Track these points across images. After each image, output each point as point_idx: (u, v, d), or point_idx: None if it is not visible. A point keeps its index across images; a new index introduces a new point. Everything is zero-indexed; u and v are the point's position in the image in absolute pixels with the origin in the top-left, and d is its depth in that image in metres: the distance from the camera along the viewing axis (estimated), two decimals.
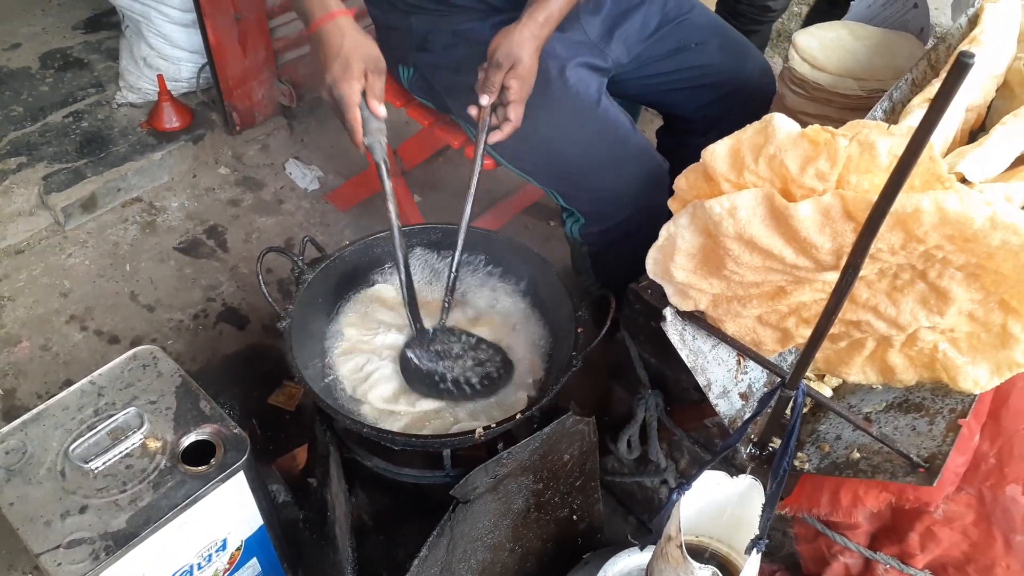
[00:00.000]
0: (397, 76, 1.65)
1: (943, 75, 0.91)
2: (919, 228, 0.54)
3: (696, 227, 0.63)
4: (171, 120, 2.20)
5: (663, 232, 0.67)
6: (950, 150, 0.88)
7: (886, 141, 0.54)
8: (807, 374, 0.86)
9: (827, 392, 0.84)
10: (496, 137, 1.31)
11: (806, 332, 0.70)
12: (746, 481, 0.86)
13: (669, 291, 0.73)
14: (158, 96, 2.19)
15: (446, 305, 1.34)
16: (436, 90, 1.55)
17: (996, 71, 0.92)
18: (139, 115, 2.25)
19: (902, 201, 0.53)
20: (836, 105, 1.22)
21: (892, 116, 0.92)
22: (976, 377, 0.65)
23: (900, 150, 0.50)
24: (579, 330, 1.27)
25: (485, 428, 1.15)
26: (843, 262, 0.55)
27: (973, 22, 0.97)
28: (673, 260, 0.67)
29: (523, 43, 1.27)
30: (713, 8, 2.21)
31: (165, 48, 2.16)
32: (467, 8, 1.47)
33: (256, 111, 2.29)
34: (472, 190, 1.31)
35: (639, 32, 1.59)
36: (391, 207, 1.23)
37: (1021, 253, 0.55)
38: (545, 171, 1.48)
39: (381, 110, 1.20)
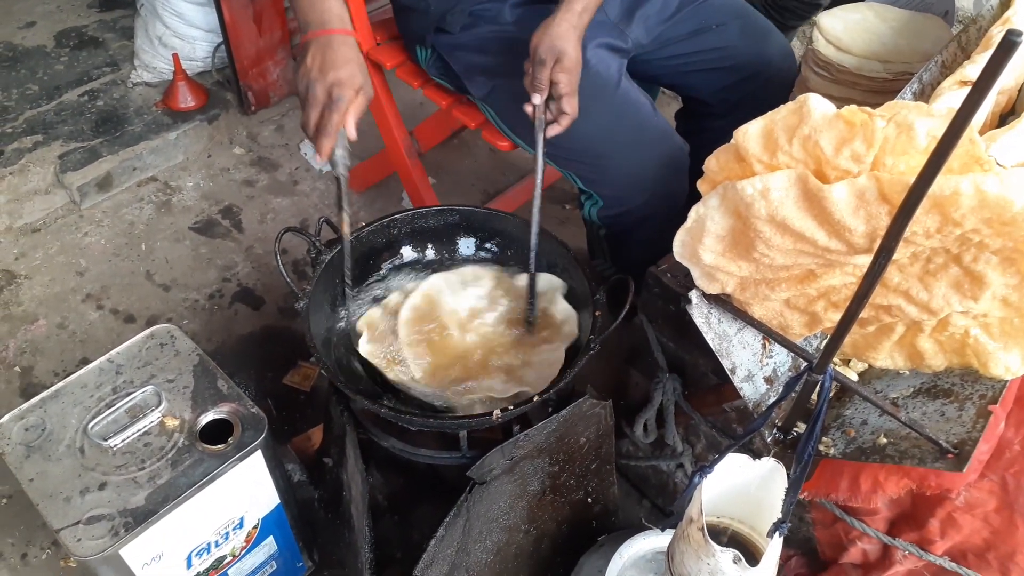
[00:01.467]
0: (415, 56, 1.64)
1: (989, 53, 0.89)
2: (956, 211, 0.53)
3: (726, 209, 0.62)
4: (186, 100, 2.20)
5: (692, 214, 0.66)
6: (981, 133, 0.87)
7: (925, 122, 0.53)
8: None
9: (853, 377, 0.83)
10: (555, 131, 1.30)
11: (835, 316, 0.69)
12: (768, 464, 0.86)
13: (696, 273, 0.72)
14: (173, 75, 2.19)
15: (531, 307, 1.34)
16: (454, 71, 1.54)
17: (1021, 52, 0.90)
18: (154, 94, 2.25)
19: (940, 183, 0.52)
20: (861, 88, 1.20)
21: (922, 98, 0.91)
22: (1008, 363, 0.64)
23: (939, 132, 0.49)
24: (597, 313, 1.26)
25: (503, 410, 1.15)
26: (876, 245, 0.55)
27: (1005, 4, 0.95)
28: (702, 242, 0.66)
29: (565, 35, 1.25)
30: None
31: (180, 27, 2.15)
32: None
33: (271, 91, 2.28)
34: (538, 193, 1.28)
35: (659, 13, 1.57)
36: (346, 218, 1.25)
37: None
38: (564, 152, 1.47)
39: (354, 133, 1.19)
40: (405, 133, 1.83)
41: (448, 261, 1.43)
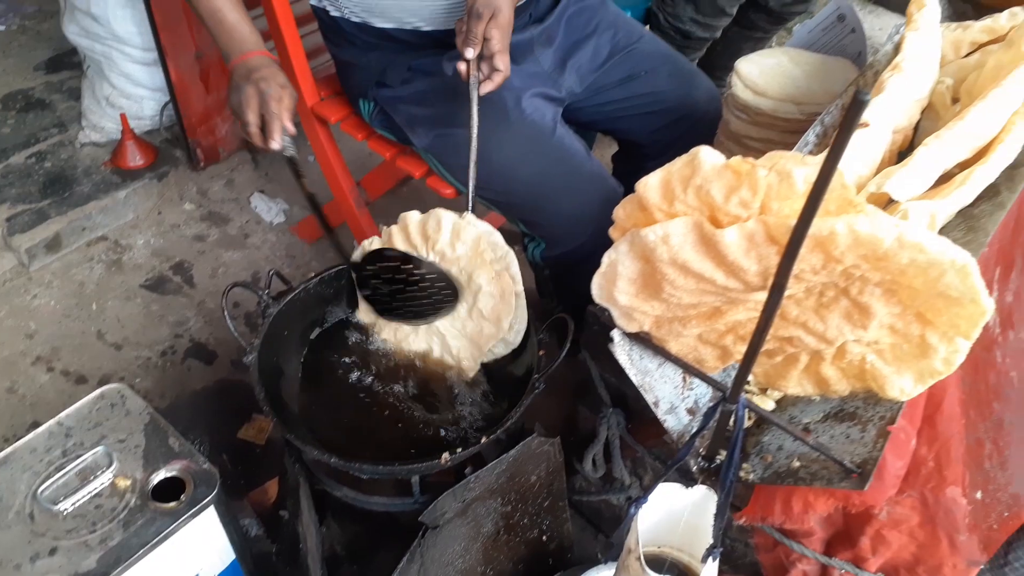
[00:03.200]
0: (358, 110, 1.69)
1: (881, 97, 0.96)
2: (836, 249, 0.58)
3: (635, 254, 0.67)
4: (135, 158, 2.22)
5: (605, 259, 0.71)
6: (879, 170, 0.94)
7: (802, 170, 0.59)
8: (751, 388, 0.90)
9: (770, 405, 0.88)
10: (488, 87, 1.33)
11: (743, 349, 0.74)
12: (700, 491, 0.90)
13: (615, 314, 0.76)
14: (121, 134, 2.21)
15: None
16: (396, 123, 1.59)
17: (919, 95, 0.98)
18: (103, 154, 2.27)
19: (818, 225, 0.57)
20: (778, 129, 1.27)
21: (824, 140, 0.97)
22: (902, 385, 0.69)
23: (815, 178, 0.54)
24: (540, 352, 1.30)
25: (451, 453, 1.18)
26: (770, 283, 0.59)
27: (897, 49, 1.02)
28: (616, 285, 0.70)
29: None
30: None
31: (127, 87, 2.18)
32: (422, 44, 1.51)
33: (220, 147, 2.31)
34: (473, 147, 1.32)
35: (590, 62, 1.64)
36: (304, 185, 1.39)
37: (928, 269, 0.59)
38: (505, 198, 1.52)
39: (291, 128, 1.34)
40: (352, 184, 1.87)
41: None
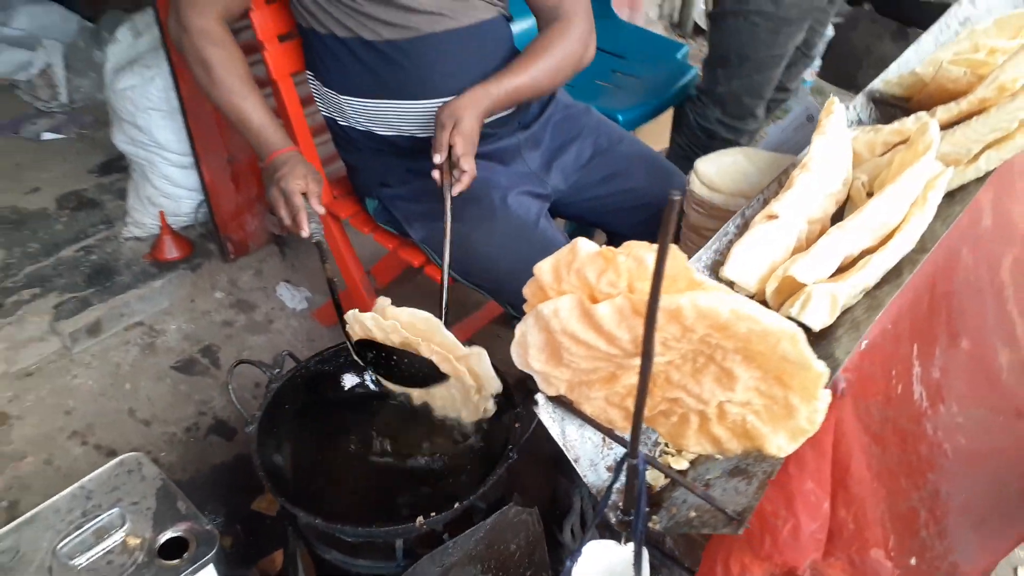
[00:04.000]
0: (365, 207, 1.87)
1: (791, 191, 1.09)
2: (686, 320, 0.70)
3: (538, 326, 0.79)
4: (171, 251, 2.43)
5: (517, 331, 0.83)
6: (813, 239, 1.06)
7: (651, 256, 0.71)
8: (669, 449, 1.00)
9: (684, 464, 0.97)
10: (457, 189, 1.51)
11: (643, 411, 0.85)
12: (631, 547, 0.99)
13: (537, 379, 0.88)
14: (160, 230, 2.42)
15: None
16: (396, 218, 1.76)
17: (831, 189, 1.10)
18: (143, 247, 2.48)
19: (667, 300, 0.69)
20: None
21: (744, 229, 1.09)
22: (779, 443, 0.79)
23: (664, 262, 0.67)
24: (516, 424, 1.41)
25: (425, 517, 1.28)
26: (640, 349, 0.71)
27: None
28: (528, 353, 0.82)
29: (464, 106, 1.52)
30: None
31: (167, 187, 2.41)
32: (418, 149, 1.69)
33: (250, 241, 2.51)
34: (448, 231, 1.51)
35: (574, 162, 1.80)
36: (326, 270, 1.52)
37: (766, 338, 0.70)
38: (491, 284, 1.66)
39: (320, 208, 1.52)
40: (363, 273, 2.03)
41: None
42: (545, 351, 0.81)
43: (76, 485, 1.47)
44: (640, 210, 1.79)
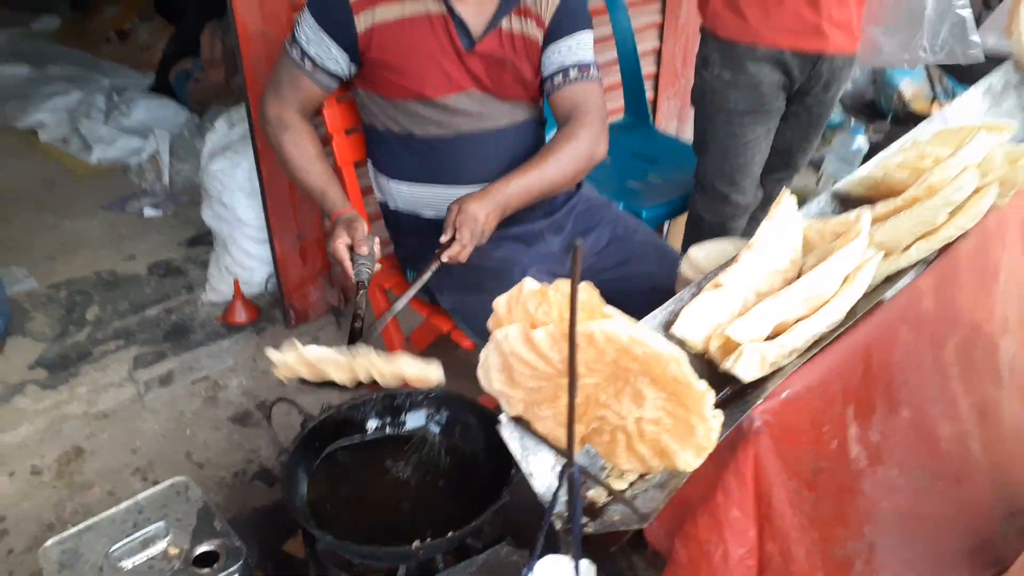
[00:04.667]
0: (406, 277, 2.12)
1: (736, 265, 1.27)
2: (598, 344, 0.88)
3: (496, 350, 0.98)
4: (241, 315, 2.72)
5: (481, 355, 1.02)
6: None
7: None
8: (613, 472, 1.16)
9: (624, 484, 1.12)
10: (445, 256, 1.75)
11: (582, 429, 1.02)
12: (584, 564, 1.14)
13: (501, 401, 1.06)
14: (233, 296, 2.73)
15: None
16: (429, 287, 1.99)
17: (776, 267, 1.27)
18: (217, 311, 2.79)
19: (582, 326, 0.87)
20: None
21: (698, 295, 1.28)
22: (686, 459, 0.94)
23: (575, 297, 0.86)
24: (513, 471, 1.57)
25: (422, 540, 1.45)
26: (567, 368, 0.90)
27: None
28: (490, 375, 1.01)
29: (473, 199, 1.76)
30: None
31: (243, 259, 2.73)
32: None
33: (310, 310, 2.79)
34: (411, 292, 1.77)
35: (592, 247, 2.02)
36: (361, 311, 1.68)
37: (659, 359, 0.86)
38: None
39: (364, 249, 1.73)
40: (402, 338, 2.26)
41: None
42: (503, 372, 1.00)
43: (131, 501, 1.70)
44: (649, 293, 1.97)
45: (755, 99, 2.21)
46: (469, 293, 1.89)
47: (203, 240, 3.20)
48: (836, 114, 3.98)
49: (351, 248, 1.73)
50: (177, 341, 2.66)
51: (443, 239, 1.75)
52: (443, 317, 2.04)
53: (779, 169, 2.53)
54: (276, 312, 2.81)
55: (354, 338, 1.64)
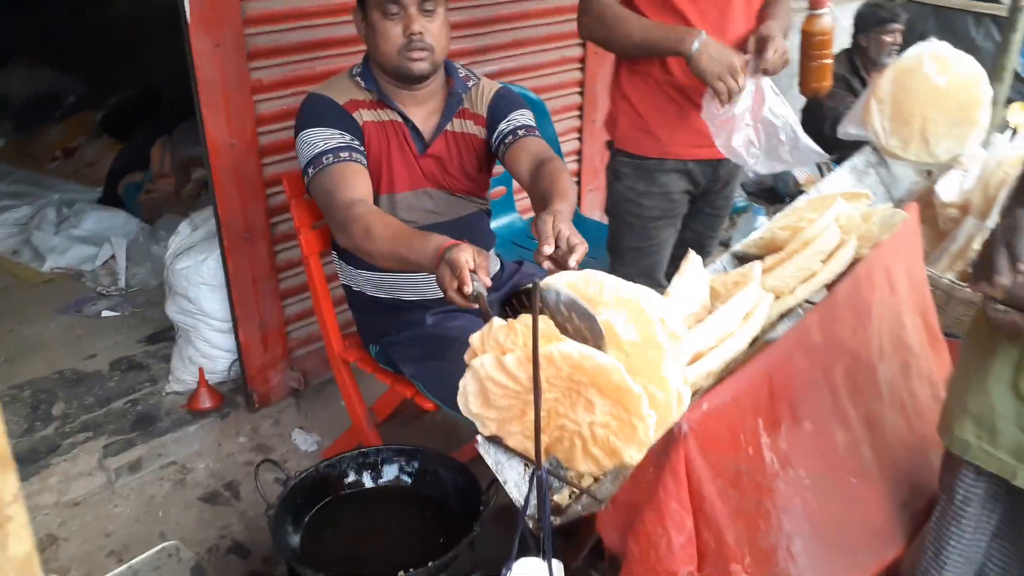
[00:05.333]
0: (369, 353, 2.34)
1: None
2: (556, 363, 1.13)
3: (473, 377, 1.23)
4: (205, 402, 2.87)
5: (460, 384, 1.26)
6: None
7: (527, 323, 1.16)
8: (594, 471, 1.39)
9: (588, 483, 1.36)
10: (572, 261, 1.58)
11: (546, 438, 1.27)
12: (557, 565, 1.36)
13: (477, 423, 1.30)
14: (197, 384, 2.88)
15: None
16: (393, 359, 2.22)
17: (691, 311, 1.57)
18: (181, 399, 2.93)
19: (543, 349, 1.13)
20: None
21: None
22: (631, 455, 1.19)
23: (540, 329, 1.12)
24: (481, 507, 1.78)
25: (405, 570, 1.63)
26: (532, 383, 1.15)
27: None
28: (468, 399, 1.25)
29: (555, 214, 1.65)
30: None
31: (207, 349, 2.90)
32: (411, 307, 2.19)
33: (272, 394, 2.96)
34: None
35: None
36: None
37: (604, 371, 1.12)
38: None
39: (487, 280, 1.57)
40: (366, 409, 2.46)
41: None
42: (479, 397, 1.24)
43: (126, 565, 1.83)
44: None
45: (666, 206, 2.47)
46: (429, 361, 2.13)
47: (163, 336, 3.35)
48: (741, 200, 4.43)
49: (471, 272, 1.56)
50: (144, 429, 2.79)
51: (548, 251, 1.59)
52: (406, 384, 2.26)
53: None
54: (239, 397, 2.97)
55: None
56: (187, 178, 4.22)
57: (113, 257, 3.81)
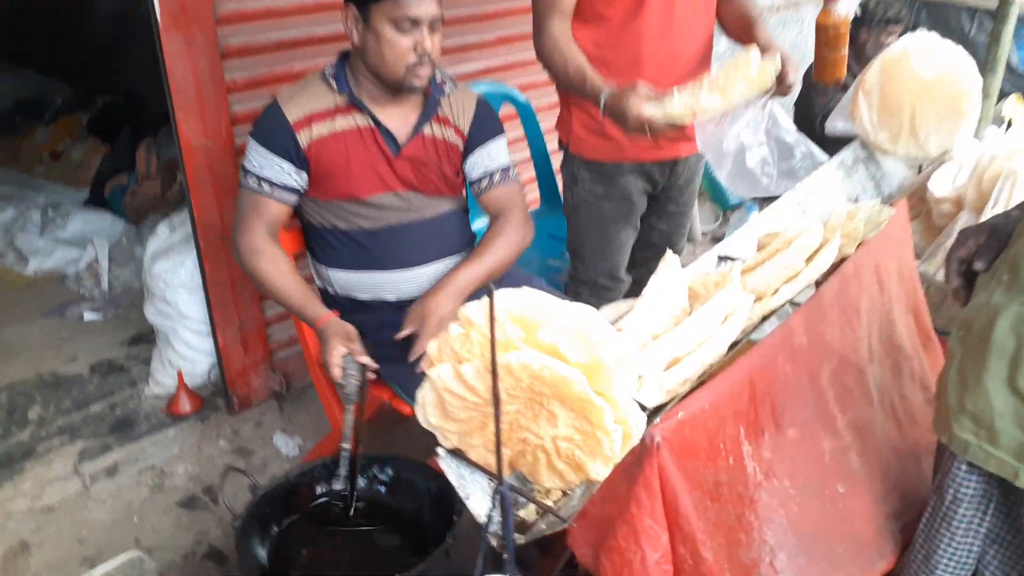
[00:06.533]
0: None
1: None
2: (515, 373, 1.07)
3: (431, 388, 1.16)
4: (185, 406, 2.82)
5: (417, 395, 1.20)
6: None
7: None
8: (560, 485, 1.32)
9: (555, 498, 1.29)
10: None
11: (508, 452, 1.20)
12: None
13: (437, 435, 1.23)
14: (177, 388, 2.82)
15: None
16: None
17: (671, 313, 1.50)
18: (161, 403, 2.88)
19: (500, 359, 1.06)
20: None
21: None
22: (597, 469, 1.12)
23: (497, 337, 1.06)
24: (455, 518, 1.72)
25: None
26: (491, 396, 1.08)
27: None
28: (426, 411, 1.19)
29: (432, 299, 1.98)
30: None
31: (186, 351, 2.84)
32: (388, 309, 2.14)
33: (253, 396, 2.90)
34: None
35: None
36: (347, 432, 1.84)
37: (565, 381, 1.05)
38: None
39: (365, 359, 1.92)
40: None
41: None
42: (438, 408, 1.18)
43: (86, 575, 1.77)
44: None
45: (626, 207, 2.43)
46: (406, 363, 2.06)
47: (144, 338, 3.29)
48: (734, 196, 4.35)
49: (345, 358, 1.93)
50: (122, 433, 2.73)
51: (402, 334, 1.94)
52: (383, 387, 2.20)
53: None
54: (219, 400, 2.91)
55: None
56: (172, 180, 4.16)
57: (97, 259, 3.74)
